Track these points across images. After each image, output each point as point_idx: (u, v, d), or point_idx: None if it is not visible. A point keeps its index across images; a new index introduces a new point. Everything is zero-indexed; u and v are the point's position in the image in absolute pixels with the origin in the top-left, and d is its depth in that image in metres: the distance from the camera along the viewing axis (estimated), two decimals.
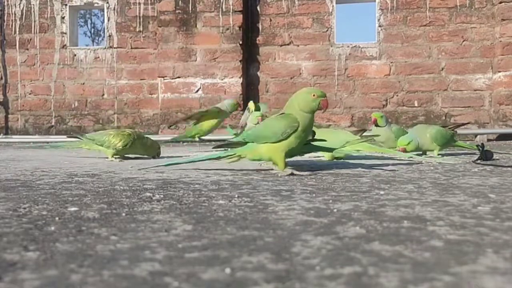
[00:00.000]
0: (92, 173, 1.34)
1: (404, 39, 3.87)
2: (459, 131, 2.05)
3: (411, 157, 1.77)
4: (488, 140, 3.54)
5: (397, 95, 3.89)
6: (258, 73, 4.02)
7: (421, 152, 1.99)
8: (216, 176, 1.23)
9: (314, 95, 1.29)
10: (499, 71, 3.71)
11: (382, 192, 0.92)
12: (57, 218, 0.67)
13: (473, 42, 3.81)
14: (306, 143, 1.39)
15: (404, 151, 1.88)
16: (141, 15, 4.11)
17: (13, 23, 4.21)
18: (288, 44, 3.98)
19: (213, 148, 1.50)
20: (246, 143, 1.36)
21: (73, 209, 0.75)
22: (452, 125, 2.09)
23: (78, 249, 0.51)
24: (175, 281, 0.40)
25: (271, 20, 4.00)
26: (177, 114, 3.90)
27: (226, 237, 0.56)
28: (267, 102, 3.98)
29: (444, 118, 3.83)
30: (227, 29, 3.86)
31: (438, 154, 1.94)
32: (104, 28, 4.28)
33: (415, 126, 2.08)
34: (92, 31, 14.25)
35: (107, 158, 1.92)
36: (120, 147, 1.88)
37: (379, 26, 3.90)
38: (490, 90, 3.81)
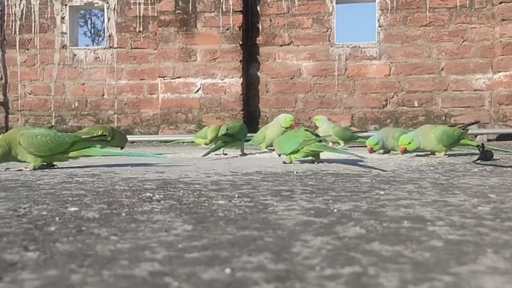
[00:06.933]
0: (92, 173, 1.34)
1: (404, 39, 3.87)
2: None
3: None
4: (488, 140, 3.53)
5: (397, 95, 3.89)
6: (258, 73, 4.02)
7: (429, 152, 2.00)
8: (216, 176, 1.23)
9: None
10: (499, 71, 3.70)
11: (382, 192, 0.92)
12: (57, 218, 0.67)
13: (473, 42, 3.81)
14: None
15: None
16: (141, 15, 4.11)
17: (13, 23, 4.21)
18: (288, 44, 3.98)
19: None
20: None
21: (73, 209, 0.75)
22: (460, 125, 2.08)
23: (78, 249, 0.51)
24: (175, 281, 0.40)
25: (271, 20, 4.00)
26: (177, 114, 3.90)
27: (226, 237, 0.56)
28: (267, 102, 3.98)
29: (444, 118, 3.83)
30: (227, 29, 3.86)
31: (445, 155, 1.94)
32: (104, 28, 4.28)
33: (421, 126, 2.08)
34: (92, 31, 14.25)
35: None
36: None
37: (379, 26, 3.90)
38: (490, 90, 3.80)
